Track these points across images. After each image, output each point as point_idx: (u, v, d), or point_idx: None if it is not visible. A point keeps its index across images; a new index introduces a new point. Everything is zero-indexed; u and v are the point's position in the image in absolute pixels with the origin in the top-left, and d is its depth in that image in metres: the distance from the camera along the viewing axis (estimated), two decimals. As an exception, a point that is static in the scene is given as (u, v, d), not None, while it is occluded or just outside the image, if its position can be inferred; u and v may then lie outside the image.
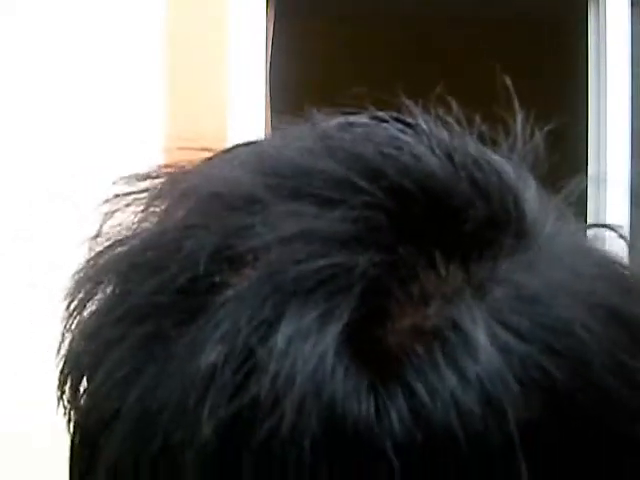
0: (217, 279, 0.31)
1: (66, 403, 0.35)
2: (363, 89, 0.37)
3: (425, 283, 0.30)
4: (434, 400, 0.28)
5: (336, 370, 0.29)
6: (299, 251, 0.30)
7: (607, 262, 0.35)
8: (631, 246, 0.37)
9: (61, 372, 0.35)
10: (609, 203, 2.28)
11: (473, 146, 0.34)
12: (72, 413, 0.35)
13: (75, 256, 0.37)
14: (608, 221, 2.26)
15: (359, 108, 0.37)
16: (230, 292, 0.30)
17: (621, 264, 0.35)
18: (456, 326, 0.29)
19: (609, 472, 0.31)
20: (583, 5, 2.33)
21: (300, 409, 0.28)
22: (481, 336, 0.29)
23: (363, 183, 0.32)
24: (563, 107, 3.30)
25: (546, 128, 0.37)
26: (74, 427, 0.35)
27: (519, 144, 0.36)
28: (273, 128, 2.10)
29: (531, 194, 0.34)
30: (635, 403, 0.31)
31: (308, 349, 0.29)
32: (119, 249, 0.35)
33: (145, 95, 2.05)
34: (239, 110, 2.07)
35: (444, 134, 0.35)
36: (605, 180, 2.28)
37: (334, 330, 0.29)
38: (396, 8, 3.20)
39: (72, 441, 0.35)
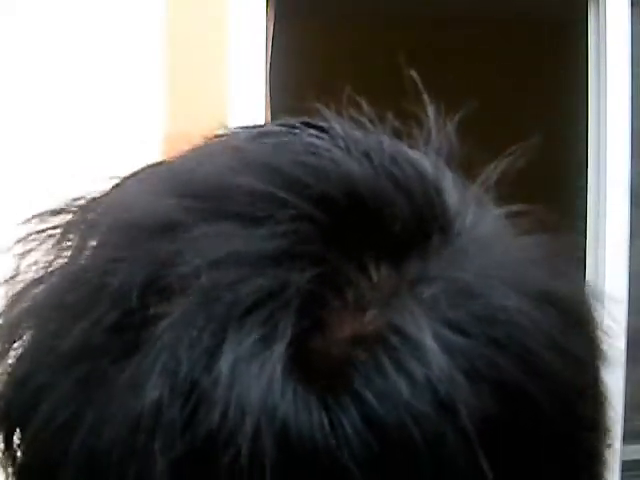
0: (150, 311, 0.30)
1: (0, 454, 0.33)
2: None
3: (359, 289, 0.30)
4: (385, 406, 0.28)
5: (285, 391, 0.28)
6: (231, 274, 0.29)
7: (530, 245, 0.35)
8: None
9: None
10: (609, 203, 2.28)
11: (388, 143, 0.34)
12: (9, 462, 0.33)
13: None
14: (608, 221, 2.26)
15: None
16: (165, 323, 0.29)
17: (542, 244, 0.35)
18: (398, 329, 0.29)
19: (565, 450, 0.32)
20: (583, 5, 2.33)
21: (256, 437, 0.28)
22: (426, 337, 0.29)
23: (285, 195, 0.31)
24: (563, 107, 3.32)
25: (456, 117, 0.37)
26: (16, 475, 0.33)
27: (433, 137, 0.36)
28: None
29: (450, 185, 0.34)
30: (579, 381, 0.32)
31: (254, 374, 0.28)
32: (37, 290, 0.34)
33: (145, 95, 2.05)
34: (239, 110, 2.07)
35: (358, 135, 0.34)
36: (605, 180, 2.28)
37: (279, 350, 0.28)
38: (396, 8, 3.20)
39: None
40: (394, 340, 0.29)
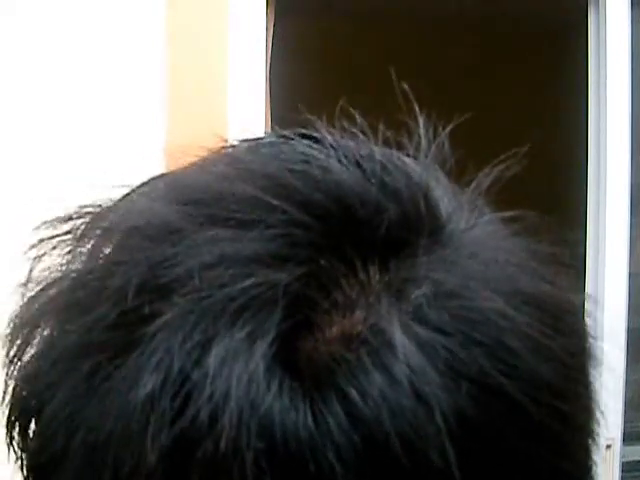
0: (146, 310, 0.31)
1: (17, 448, 0.35)
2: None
3: (347, 291, 0.32)
4: (366, 401, 0.29)
5: (270, 384, 0.30)
6: (222, 275, 0.31)
7: (518, 249, 0.36)
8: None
9: (8, 419, 0.36)
10: (609, 204, 2.28)
11: (379, 152, 0.36)
12: (23, 457, 0.35)
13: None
14: (608, 222, 2.26)
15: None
16: (160, 321, 0.31)
17: (531, 249, 0.36)
18: (378, 330, 0.30)
19: (543, 453, 0.32)
20: (583, 6, 2.33)
21: (238, 424, 0.29)
22: (400, 336, 0.30)
23: (276, 201, 0.33)
24: (563, 108, 3.31)
25: (449, 127, 0.38)
26: (27, 471, 0.35)
27: (424, 145, 0.37)
28: (273, 128, 2.09)
29: (442, 191, 0.36)
30: (557, 381, 0.32)
31: (240, 367, 0.30)
32: (51, 292, 0.36)
33: (145, 96, 2.05)
34: (239, 111, 2.07)
35: (350, 144, 0.36)
36: (605, 180, 2.28)
37: (263, 346, 0.30)
38: (396, 8, 3.20)
39: None
40: (377, 341, 0.30)
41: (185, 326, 0.31)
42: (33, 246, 0.37)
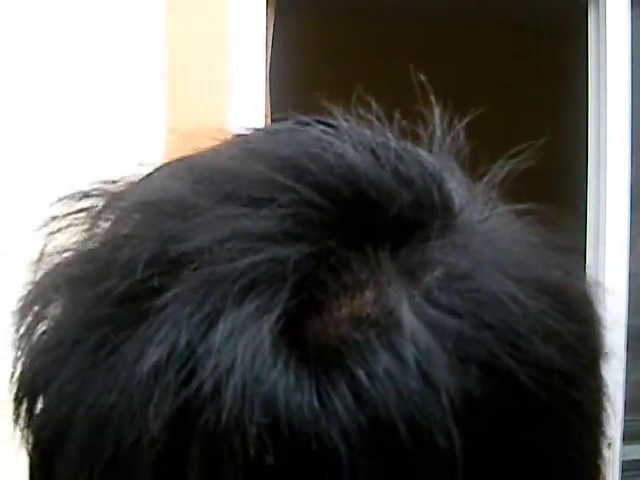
0: (155, 283, 0.31)
1: (22, 427, 0.35)
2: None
3: (357, 273, 0.31)
4: (373, 382, 0.29)
5: (276, 360, 0.29)
6: (232, 250, 0.31)
7: (533, 238, 0.36)
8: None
9: (16, 396, 0.35)
10: (609, 203, 2.28)
11: (394, 140, 0.36)
12: (28, 435, 0.35)
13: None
14: (608, 221, 2.26)
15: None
16: (169, 294, 0.31)
17: (546, 239, 0.36)
18: (389, 312, 0.30)
19: (550, 440, 0.32)
20: (583, 5, 2.33)
21: (242, 397, 0.29)
22: (410, 317, 0.30)
23: (289, 181, 0.33)
24: (563, 107, 3.31)
25: (465, 119, 0.38)
26: (31, 449, 0.35)
27: (438, 135, 0.37)
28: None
29: (456, 183, 0.36)
30: (567, 367, 0.32)
31: (246, 340, 0.30)
32: (63, 269, 0.35)
33: (145, 95, 2.05)
34: (239, 110, 2.07)
35: (365, 131, 0.36)
36: (605, 180, 2.28)
37: (269, 321, 0.30)
38: (396, 7, 3.20)
39: (30, 463, 0.35)
40: (386, 322, 0.30)
41: (194, 300, 0.30)
42: (46, 223, 0.37)
